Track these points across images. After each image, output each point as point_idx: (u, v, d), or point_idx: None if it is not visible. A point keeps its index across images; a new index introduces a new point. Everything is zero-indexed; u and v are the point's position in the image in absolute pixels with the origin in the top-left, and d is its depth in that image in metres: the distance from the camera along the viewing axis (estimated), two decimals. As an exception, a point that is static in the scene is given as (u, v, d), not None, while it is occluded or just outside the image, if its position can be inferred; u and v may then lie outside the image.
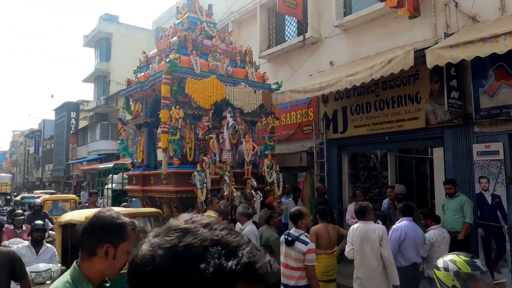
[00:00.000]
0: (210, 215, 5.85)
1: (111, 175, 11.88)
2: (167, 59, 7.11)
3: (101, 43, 29.70)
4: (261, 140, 8.38)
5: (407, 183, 7.49)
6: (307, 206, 8.47)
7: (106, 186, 11.82)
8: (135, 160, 8.51)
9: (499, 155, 5.66)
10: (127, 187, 8.40)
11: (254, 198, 7.19)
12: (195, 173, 6.52)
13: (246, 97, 7.71)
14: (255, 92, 7.90)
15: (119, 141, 8.52)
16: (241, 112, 7.74)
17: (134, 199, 10.98)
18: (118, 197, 10.86)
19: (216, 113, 7.89)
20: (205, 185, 6.57)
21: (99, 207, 6.88)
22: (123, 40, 28.83)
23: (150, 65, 7.90)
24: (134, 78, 8.44)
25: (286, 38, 10.09)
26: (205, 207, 6.54)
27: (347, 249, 4.36)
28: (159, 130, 8.66)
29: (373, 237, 4.20)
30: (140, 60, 8.68)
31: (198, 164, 6.66)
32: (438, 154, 6.55)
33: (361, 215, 4.39)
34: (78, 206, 7.37)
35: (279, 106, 9.14)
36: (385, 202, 6.88)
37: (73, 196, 11.71)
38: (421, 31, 6.84)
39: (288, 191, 8.43)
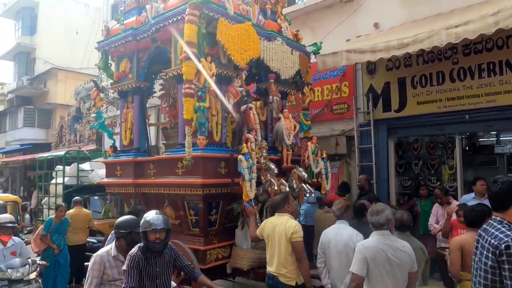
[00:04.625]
0: (288, 222, 3.75)
1: (59, 166, 8.97)
2: (187, -9, 4.82)
3: (24, 14, 25.01)
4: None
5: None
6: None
7: (53, 181, 8.88)
8: (117, 142, 6.00)
9: None
10: (105, 180, 5.86)
11: (307, 195, 5.23)
12: (241, 157, 4.35)
13: (283, 58, 5.68)
14: (292, 53, 5.91)
15: (93, 114, 5.93)
16: (277, 77, 5.70)
17: (95, 197, 8.34)
18: (72, 195, 8.09)
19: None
20: (253, 175, 4.44)
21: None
22: (52, 12, 24.51)
23: (148, 6, 5.48)
24: (116, 26, 5.92)
25: (300, -2, 8.20)
26: (254, 207, 4.43)
27: None
28: (154, 99, 6.28)
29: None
30: (124, 2, 6.16)
31: (244, 145, 4.49)
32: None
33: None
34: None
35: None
36: (469, 198, 5.33)
37: (14, 197, 8.48)
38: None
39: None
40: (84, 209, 7.55)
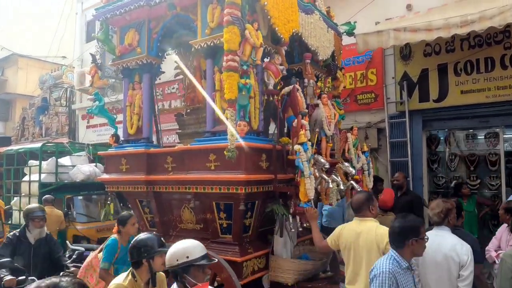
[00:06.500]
0: (378, 229, 2.85)
1: (32, 161, 7.68)
2: None
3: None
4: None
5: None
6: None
7: (25, 178, 7.59)
8: (119, 131, 4.96)
9: None
10: (106, 177, 4.80)
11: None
12: (299, 147, 3.52)
13: (321, 36, 4.91)
14: (327, 31, 5.16)
15: (91, 96, 4.84)
16: (313, 57, 4.91)
17: (79, 198, 7.20)
18: (51, 195, 6.89)
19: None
20: (312, 170, 3.61)
21: None
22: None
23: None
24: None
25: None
26: (315, 210, 3.61)
27: None
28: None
29: None
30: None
31: (302, 132, 3.65)
32: None
33: None
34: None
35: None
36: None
37: None
38: None
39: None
40: (56, 210, 6.62)
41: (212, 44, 3.96)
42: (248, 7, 3.88)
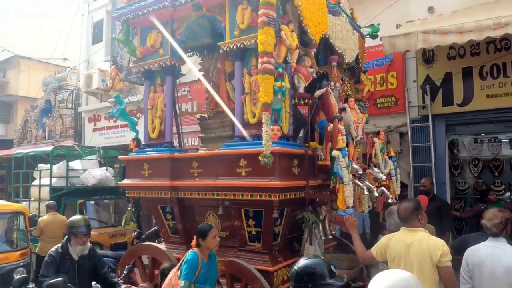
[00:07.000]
0: (430, 239, 2.55)
1: (42, 165, 7.51)
2: None
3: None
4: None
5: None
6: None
7: (35, 182, 7.41)
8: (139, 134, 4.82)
9: None
10: (127, 182, 4.65)
11: (389, 200, 4.35)
12: (338, 153, 3.38)
13: (347, 38, 4.81)
14: (353, 34, 5.06)
15: (111, 99, 4.70)
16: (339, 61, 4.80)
17: (91, 202, 7.03)
18: (61, 200, 6.74)
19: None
20: (351, 176, 3.49)
21: None
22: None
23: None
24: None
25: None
26: (350, 218, 3.48)
27: None
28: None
29: None
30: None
31: (340, 137, 3.52)
32: None
33: None
34: None
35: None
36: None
37: (19, 205, 6.35)
38: None
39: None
40: (59, 215, 6.43)
41: (241, 45, 3.84)
42: (282, 8, 3.77)
